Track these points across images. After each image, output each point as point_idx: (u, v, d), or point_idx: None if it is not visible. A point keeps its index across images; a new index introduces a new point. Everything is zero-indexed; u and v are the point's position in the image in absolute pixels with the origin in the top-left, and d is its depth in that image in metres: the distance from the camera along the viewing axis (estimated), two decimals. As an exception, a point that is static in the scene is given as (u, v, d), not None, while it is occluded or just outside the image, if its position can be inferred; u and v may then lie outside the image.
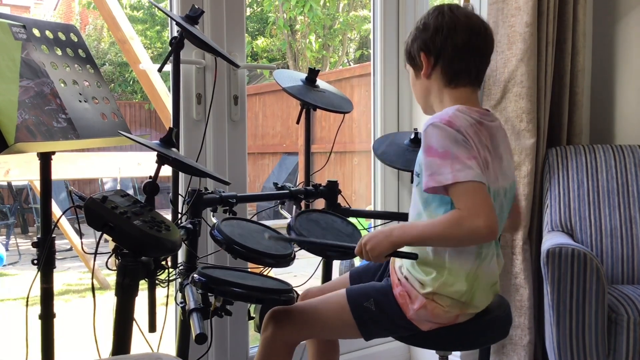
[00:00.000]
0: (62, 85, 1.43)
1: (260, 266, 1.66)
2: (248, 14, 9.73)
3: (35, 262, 1.39)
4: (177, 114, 1.70)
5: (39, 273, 1.39)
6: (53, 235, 1.41)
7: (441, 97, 1.40)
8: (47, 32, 1.48)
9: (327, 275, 1.91)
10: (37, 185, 3.01)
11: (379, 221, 2.27)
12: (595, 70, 2.51)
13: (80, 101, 1.46)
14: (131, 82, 9.85)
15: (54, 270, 1.42)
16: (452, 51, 1.36)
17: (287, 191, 1.82)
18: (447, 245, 1.31)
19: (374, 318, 1.36)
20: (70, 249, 5.75)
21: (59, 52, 1.49)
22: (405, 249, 1.34)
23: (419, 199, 1.36)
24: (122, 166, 4.00)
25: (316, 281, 1.89)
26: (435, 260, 1.33)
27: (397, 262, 1.43)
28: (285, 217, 1.70)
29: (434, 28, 1.37)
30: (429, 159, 1.26)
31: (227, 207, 1.66)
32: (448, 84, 1.38)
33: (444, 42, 1.36)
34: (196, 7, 1.66)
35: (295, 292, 1.50)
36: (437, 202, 1.31)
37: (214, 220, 1.60)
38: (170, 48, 1.66)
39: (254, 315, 1.60)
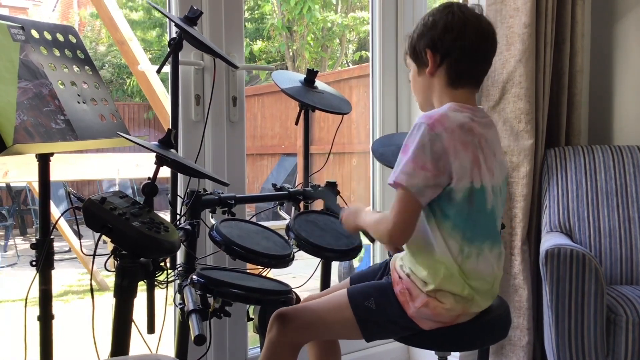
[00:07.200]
0: (61, 86, 1.43)
1: (259, 267, 1.66)
2: (247, 17, 9.72)
3: (34, 263, 1.39)
4: (176, 115, 1.70)
5: (38, 274, 1.39)
6: (52, 237, 1.41)
7: (441, 96, 1.39)
8: (46, 33, 1.48)
9: (325, 277, 1.91)
10: (36, 186, 3.01)
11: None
12: (593, 71, 2.51)
13: (78, 102, 1.46)
14: (128, 89, 9.84)
15: (53, 271, 1.42)
16: (459, 53, 1.35)
17: (286, 192, 1.83)
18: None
19: (374, 318, 1.36)
20: (69, 251, 5.75)
21: (58, 54, 1.48)
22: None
23: None
24: (121, 167, 4.00)
25: (315, 282, 1.88)
26: (426, 255, 1.33)
27: (397, 261, 1.43)
28: (284, 218, 1.70)
29: (444, 27, 1.35)
30: (400, 154, 1.31)
31: (226, 208, 1.67)
32: (450, 84, 1.38)
33: (452, 42, 1.34)
34: (195, 8, 1.66)
35: (294, 293, 1.50)
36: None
37: (213, 221, 1.60)
38: (169, 49, 1.66)
39: (252, 317, 1.60)
